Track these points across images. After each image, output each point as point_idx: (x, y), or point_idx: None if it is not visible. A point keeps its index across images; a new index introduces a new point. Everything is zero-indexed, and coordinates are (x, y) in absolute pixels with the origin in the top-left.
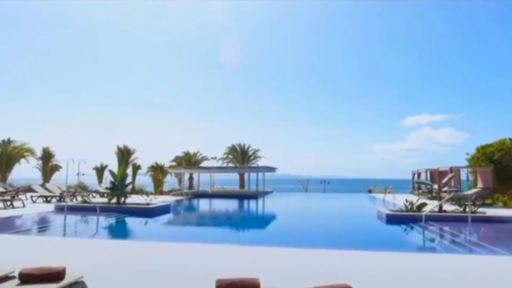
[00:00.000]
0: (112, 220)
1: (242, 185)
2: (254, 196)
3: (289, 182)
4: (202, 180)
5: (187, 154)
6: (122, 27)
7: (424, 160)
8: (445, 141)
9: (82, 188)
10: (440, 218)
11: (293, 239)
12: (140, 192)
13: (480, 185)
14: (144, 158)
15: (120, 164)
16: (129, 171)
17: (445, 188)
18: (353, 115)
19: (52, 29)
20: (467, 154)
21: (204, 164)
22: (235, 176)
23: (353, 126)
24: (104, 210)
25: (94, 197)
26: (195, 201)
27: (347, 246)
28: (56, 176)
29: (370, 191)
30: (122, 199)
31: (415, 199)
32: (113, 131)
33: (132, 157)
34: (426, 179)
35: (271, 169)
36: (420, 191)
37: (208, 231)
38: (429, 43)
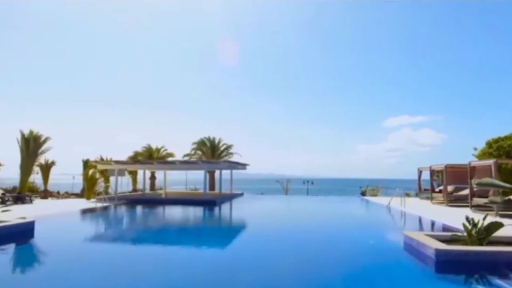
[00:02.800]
0: None
1: (212, 186)
2: (212, 202)
3: (271, 182)
4: (175, 180)
5: (148, 149)
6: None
7: (405, 160)
8: (425, 141)
9: None
10: None
11: None
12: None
13: None
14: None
15: (22, 157)
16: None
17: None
18: (336, 116)
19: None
20: (475, 149)
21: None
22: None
23: (337, 126)
24: None
25: None
26: (112, 213)
27: None
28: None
29: (363, 194)
30: None
31: (421, 204)
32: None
33: (44, 147)
34: (436, 178)
35: (239, 166)
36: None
37: None
38: (412, 46)
